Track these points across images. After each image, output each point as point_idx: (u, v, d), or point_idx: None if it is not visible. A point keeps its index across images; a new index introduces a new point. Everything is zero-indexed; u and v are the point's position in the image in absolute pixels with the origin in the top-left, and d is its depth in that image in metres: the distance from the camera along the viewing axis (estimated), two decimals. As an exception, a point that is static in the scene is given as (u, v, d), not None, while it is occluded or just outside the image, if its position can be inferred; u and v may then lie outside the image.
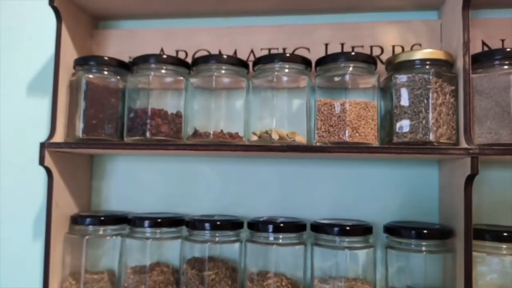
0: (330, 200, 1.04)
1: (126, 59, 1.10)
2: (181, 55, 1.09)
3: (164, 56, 0.95)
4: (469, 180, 0.82)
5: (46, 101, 1.14)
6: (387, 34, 1.02)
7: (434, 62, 0.87)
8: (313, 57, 1.03)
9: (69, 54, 1.01)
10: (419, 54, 0.88)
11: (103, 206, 1.12)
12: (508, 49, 0.86)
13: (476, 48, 0.99)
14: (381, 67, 0.98)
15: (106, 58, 0.98)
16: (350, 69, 0.90)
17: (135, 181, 1.11)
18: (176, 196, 1.09)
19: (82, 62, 0.98)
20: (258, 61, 0.95)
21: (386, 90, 0.92)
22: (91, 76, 0.96)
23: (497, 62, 0.86)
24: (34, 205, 1.13)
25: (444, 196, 0.96)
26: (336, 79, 0.91)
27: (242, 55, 1.07)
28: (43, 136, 1.10)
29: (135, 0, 1.01)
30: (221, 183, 1.08)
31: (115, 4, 1.04)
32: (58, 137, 0.97)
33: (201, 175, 1.09)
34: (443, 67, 0.88)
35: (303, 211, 1.04)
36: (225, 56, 0.94)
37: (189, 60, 1.08)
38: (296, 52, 1.05)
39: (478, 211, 0.96)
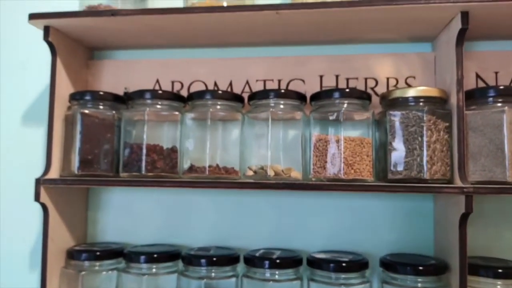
0: (326, 232, 1.04)
1: (121, 90, 1.11)
2: (177, 86, 1.10)
3: (160, 92, 0.96)
4: (464, 218, 0.82)
5: (41, 130, 1.14)
6: (381, 66, 1.03)
7: (427, 99, 0.88)
8: (308, 89, 1.04)
9: (65, 87, 1.01)
10: (413, 91, 0.88)
11: (99, 237, 1.11)
12: (502, 87, 0.87)
13: (470, 80, 1.00)
14: (376, 99, 0.98)
15: (101, 93, 0.98)
16: (345, 105, 0.90)
17: (131, 212, 1.11)
18: (172, 227, 1.09)
19: (77, 97, 0.98)
20: (253, 96, 0.95)
21: (381, 124, 0.92)
22: (86, 111, 0.96)
23: (490, 99, 0.87)
24: (29, 238, 1.13)
25: (439, 229, 0.97)
26: (331, 116, 0.91)
27: (238, 86, 1.08)
28: (38, 167, 1.10)
29: (129, 33, 1.01)
30: (217, 214, 1.08)
31: (110, 36, 1.04)
32: (54, 172, 0.97)
33: (197, 206, 1.08)
34: (437, 104, 0.89)
35: (299, 242, 1.04)
36: (220, 92, 0.95)
37: (184, 91, 1.09)
38: (291, 84, 1.06)
39: (472, 242, 0.96)
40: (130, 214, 1.11)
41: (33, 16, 0.93)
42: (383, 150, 0.91)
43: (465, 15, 0.84)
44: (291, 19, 0.91)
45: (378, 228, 1.02)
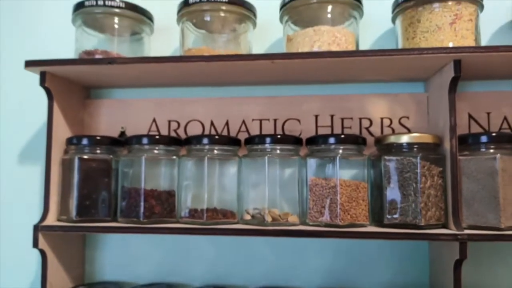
0: (323, 270, 1.05)
1: (118, 128, 1.11)
2: (174, 126, 1.10)
3: (157, 137, 0.96)
4: (458, 264, 0.84)
5: (38, 169, 1.14)
6: (375, 107, 1.05)
7: (421, 145, 0.90)
8: (304, 128, 1.06)
9: (62, 129, 1.01)
10: (407, 138, 0.90)
11: (97, 276, 1.12)
12: (494, 134, 0.89)
13: (462, 120, 1.02)
14: (371, 139, 1.00)
15: (98, 137, 0.99)
16: (340, 151, 0.92)
17: (129, 250, 1.11)
18: (170, 266, 1.10)
19: (74, 142, 0.98)
20: (250, 140, 0.96)
21: (376, 166, 0.94)
22: (84, 156, 0.96)
23: (483, 145, 0.88)
24: (26, 281, 1.13)
25: (434, 271, 0.98)
26: (327, 161, 0.92)
27: (234, 126, 1.08)
28: (35, 207, 1.10)
29: (126, 76, 1.02)
30: (215, 253, 1.09)
31: (107, 79, 1.05)
32: (51, 216, 0.97)
33: (194, 244, 1.09)
34: (431, 149, 0.90)
35: (296, 280, 1.05)
36: (216, 137, 0.96)
37: (181, 130, 1.10)
38: (287, 123, 1.07)
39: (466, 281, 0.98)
40: (127, 253, 1.11)
41: (29, 64, 0.93)
42: (378, 193, 0.92)
43: (457, 63, 0.85)
44: (286, 66, 0.92)
45: (375, 267, 1.04)
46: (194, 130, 1.09)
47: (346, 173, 0.93)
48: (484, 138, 0.88)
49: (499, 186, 0.85)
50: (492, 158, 0.86)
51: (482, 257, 1.01)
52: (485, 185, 0.86)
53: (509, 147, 0.88)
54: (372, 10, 1.03)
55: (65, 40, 1.08)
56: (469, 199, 0.88)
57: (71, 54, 1.04)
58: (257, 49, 1.09)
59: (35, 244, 0.93)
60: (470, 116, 1.02)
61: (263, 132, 1.08)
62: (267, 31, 1.08)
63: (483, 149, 0.88)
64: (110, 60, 0.90)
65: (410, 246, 1.02)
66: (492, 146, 0.88)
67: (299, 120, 1.07)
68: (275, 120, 1.08)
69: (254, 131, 1.08)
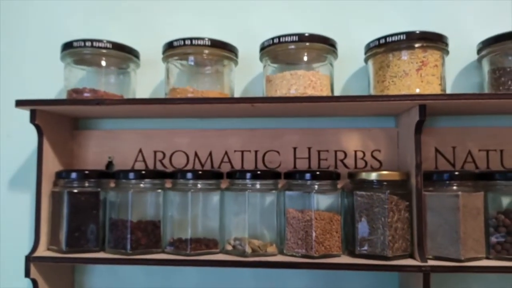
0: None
1: (106, 158, 1.16)
2: (159, 156, 1.16)
3: (143, 172, 1.02)
4: (422, 293, 0.91)
5: (27, 198, 1.18)
6: (350, 140, 1.11)
7: (390, 182, 0.97)
8: (283, 159, 1.13)
9: (51, 162, 1.06)
10: (376, 175, 0.97)
11: (86, 300, 1.17)
12: (457, 172, 0.96)
13: (429, 154, 1.09)
14: (345, 171, 1.06)
15: (86, 172, 1.03)
16: (316, 187, 0.98)
17: (117, 275, 1.16)
18: (156, 289, 1.16)
19: (63, 176, 1.03)
20: (232, 175, 1.02)
21: (349, 197, 1.00)
22: (73, 190, 1.01)
23: (446, 182, 0.96)
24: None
25: (402, 294, 1.06)
26: (304, 195, 0.99)
27: (217, 156, 1.14)
28: (25, 239, 1.15)
29: (114, 113, 1.07)
30: (199, 276, 1.15)
31: (95, 114, 1.10)
32: (42, 246, 1.02)
33: (180, 270, 1.15)
34: (398, 185, 0.97)
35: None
36: (200, 172, 1.01)
37: (167, 160, 1.15)
38: (267, 155, 1.13)
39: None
40: (116, 279, 1.16)
41: (19, 103, 0.98)
42: (351, 224, 0.99)
43: (422, 108, 0.92)
44: (265, 107, 0.98)
45: (348, 289, 1.11)
46: (179, 160, 1.15)
47: (321, 204, 0.99)
48: (447, 176, 0.96)
49: (460, 221, 0.92)
50: (454, 195, 0.94)
51: (447, 283, 1.08)
52: (447, 220, 0.94)
53: (470, 185, 0.96)
54: (347, 47, 1.10)
55: (54, 76, 1.13)
56: (433, 232, 0.95)
57: (60, 87, 1.08)
58: (240, 83, 1.15)
59: (27, 274, 0.98)
60: (436, 150, 1.09)
61: (245, 163, 1.14)
62: (249, 66, 1.14)
63: (446, 186, 0.96)
64: (98, 101, 0.95)
65: (382, 273, 1.10)
66: (454, 184, 0.95)
67: (278, 152, 1.13)
68: (256, 152, 1.14)
69: (236, 162, 1.14)
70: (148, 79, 1.18)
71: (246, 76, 1.17)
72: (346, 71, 1.15)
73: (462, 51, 1.10)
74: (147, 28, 1.20)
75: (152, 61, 1.13)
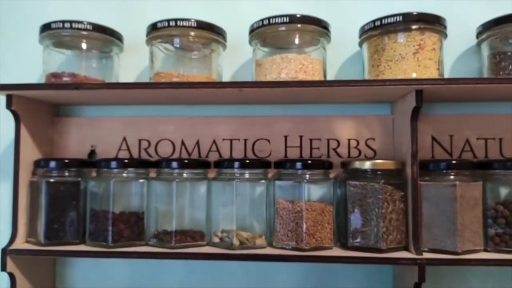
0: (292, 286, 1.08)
1: (87, 147, 1.11)
2: (144, 144, 1.10)
3: (126, 161, 0.97)
4: (417, 286, 0.87)
5: (6, 190, 1.13)
6: (343, 128, 1.07)
7: (384, 171, 0.92)
8: (273, 148, 1.08)
9: (29, 150, 1.01)
10: (370, 164, 0.92)
11: (68, 294, 1.12)
12: (454, 161, 0.92)
13: (425, 143, 1.05)
14: (338, 160, 1.02)
15: (66, 160, 0.98)
16: (307, 176, 0.94)
17: (99, 267, 1.12)
18: (141, 283, 1.11)
19: (42, 165, 0.98)
20: (219, 164, 0.97)
21: (342, 188, 0.96)
22: (51, 180, 0.96)
23: (443, 172, 0.91)
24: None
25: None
26: (294, 185, 0.94)
27: (205, 145, 1.09)
28: (2, 231, 1.10)
29: (95, 99, 1.02)
30: (186, 268, 1.10)
31: (75, 99, 1.04)
32: (20, 239, 0.97)
33: (166, 261, 1.10)
34: (393, 175, 0.93)
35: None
36: (186, 161, 0.97)
37: (152, 149, 1.10)
38: (257, 143, 1.09)
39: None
40: (98, 270, 1.12)
41: (-5, 87, 0.92)
42: (344, 215, 0.95)
43: (419, 94, 0.88)
44: (254, 92, 0.93)
45: (341, 283, 1.07)
46: (165, 149, 1.10)
47: (312, 194, 0.95)
48: (444, 165, 0.91)
49: (457, 212, 0.88)
50: (451, 185, 0.89)
51: (444, 276, 1.05)
52: (444, 211, 0.90)
53: (468, 174, 0.92)
54: (341, 31, 1.05)
55: (32, 60, 1.07)
56: (429, 224, 0.91)
57: (38, 73, 1.03)
58: (228, 68, 1.10)
59: (3, 267, 0.93)
60: (433, 139, 1.05)
61: (233, 152, 1.09)
62: (238, 51, 1.09)
63: (443, 176, 0.91)
64: (76, 85, 0.90)
65: (375, 266, 1.06)
66: (452, 173, 0.91)
67: (269, 141, 1.08)
68: (245, 140, 1.09)
69: (225, 151, 1.09)
70: (133, 64, 1.12)
71: (235, 61, 1.12)
72: (341, 56, 1.10)
73: (461, 35, 1.05)
74: (132, 10, 1.14)
75: (138, 45, 1.07)
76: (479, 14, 1.02)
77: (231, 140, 1.09)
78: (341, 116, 1.07)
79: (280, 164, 0.97)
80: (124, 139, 1.11)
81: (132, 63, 1.12)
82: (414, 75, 0.90)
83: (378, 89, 0.90)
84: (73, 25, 0.97)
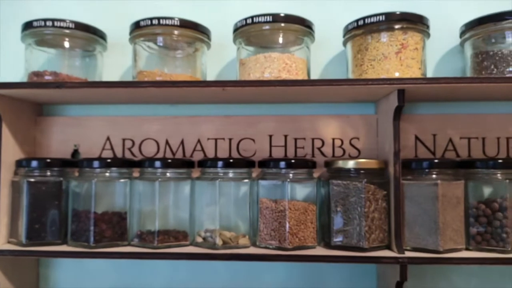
0: (277, 285, 1.08)
1: (71, 147, 1.10)
2: (128, 144, 1.10)
3: (108, 161, 0.96)
4: (399, 286, 0.88)
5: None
6: (327, 128, 1.07)
7: (367, 171, 0.92)
8: (258, 147, 1.08)
9: (12, 150, 0.99)
10: (353, 164, 0.92)
11: (51, 295, 1.11)
12: (436, 160, 0.92)
13: (409, 142, 1.05)
14: (323, 159, 1.02)
15: (48, 160, 0.97)
16: (291, 175, 0.94)
17: (83, 268, 1.11)
18: (125, 283, 1.10)
19: (23, 164, 0.97)
20: (203, 163, 0.97)
21: (325, 187, 0.96)
22: (32, 180, 0.95)
23: (425, 171, 0.92)
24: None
25: (381, 286, 1.02)
26: (278, 184, 0.94)
27: (189, 145, 1.09)
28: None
29: (77, 98, 1.01)
30: (170, 268, 1.10)
31: (58, 98, 1.03)
32: (1, 240, 0.96)
33: (150, 261, 1.10)
34: (376, 174, 0.93)
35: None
36: (169, 160, 0.96)
37: (136, 148, 1.09)
38: (242, 143, 1.08)
39: None
40: (82, 270, 1.11)
41: (-26, 86, 0.91)
42: (327, 214, 0.95)
43: (401, 93, 0.88)
44: (238, 92, 0.93)
45: (325, 282, 1.07)
46: (149, 148, 1.09)
47: (296, 194, 0.95)
48: (426, 164, 0.92)
49: (439, 211, 0.89)
50: (433, 184, 0.90)
51: (427, 275, 1.06)
52: (426, 210, 0.90)
53: (450, 173, 0.93)
54: (327, 31, 1.05)
55: (15, 58, 1.06)
56: (411, 222, 0.92)
57: (21, 72, 1.02)
58: (213, 68, 1.10)
59: (-17, 268, 0.92)
60: (416, 138, 1.06)
61: (218, 151, 1.09)
62: (224, 50, 1.09)
63: (426, 175, 0.92)
64: (58, 84, 0.89)
65: (359, 264, 1.06)
66: (434, 172, 0.91)
67: (253, 140, 1.08)
68: (230, 140, 1.09)
69: (210, 150, 1.09)
70: (118, 63, 1.12)
71: (221, 60, 1.12)
72: (326, 56, 1.10)
73: (446, 35, 1.06)
74: (117, 9, 1.13)
75: (122, 44, 1.06)
76: (464, 14, 1.02)
77: (215, 140, 1.09)
78: (326, 115, 1.07)
79: (264, 164, 0.97)
80: (108, 138, 1.10)
81: (117, 62, 1.12)
82: (396, 75, 0.91)
83: (361, 89, 0.90)
84: (55, 23, 0.96)
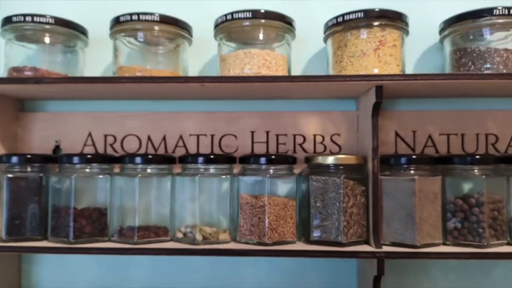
0: (258, 280, 1.09)
1: (52, 143, 1.10)
2: (110, 140, 1.10)
3: (89, 156, 0.96)
4: (376, 279, 0.89)
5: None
6: (309, 124, 1.08)
7: (346, 167, 0.93)
8: (240, 144, 1.08)
9: (-9, 145, 1.00)
10: (332, 159, 0.93)
11: (34, 291, 1.11)
12: (414, 156, 0.93)
13: (389, 138, 1.06)
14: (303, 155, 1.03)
15: (29, 156, 0.97)
16: (271, 171, 0.94)
17: (66, 263, 1.11)
18: (108, 278, 1.10)
19: (4, 160, 0.96)
20: (184, 159, 0.97)
21: (305, 183, 0.97)
22: (13, 176, 0.95)
23: (403, 167, 0.93)
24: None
25: (361, 283, 1.03)
26: (258, 180, 0.95)
27: (171, 141, 1.09)
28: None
29: (58, 93, 1.01)
30: (152, 264, 1.10)
31: (38, 93, 1.03)
32: (-19, 235, 0.96)
33: (131, 257, 1.10)
34: (355, 170, 0.94)
35: (232, 291, 1.09)
36: (150, 156, 0.96)
37: (118, 144, 1.10)
38: (224, 139, 1.09)
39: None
40: (65, 266, 1.11)
41: (-48, 81, 0.91)
42: (307, 210, 0.95)
43: (379, 90, 0.89)
44: (217, 87, 0.93)
45: (307, 276, 1.08)
46: (131, 145, 1.09)
47: (276, 189, 0.95)
48: (404, 160, 0.93)
49: (415, 206, 0.90)
50: (410, 180, 0.91)
51: (407, 270, 1.07)
52: (403, 205, 0.91)
53: (427, 169, 0.94)
54: (309, 28, 1.06)
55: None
56: (389, 218, 0.93)
57: (0, 68, 1.01)
58: (195, 64, 1.10)
59: (-37, 264, 0.92)
60: (397, 134, 1.07)
61: (200, 148, 1.09)
62: (207, 46, 1.09)
63: (404, 171, 0.93)
64: (36, 79, 0.89)
65: (339, 259, 1.07)
66: (411, 168, 0.92)
67: (235, 136, 1.09)
68: (212, 136, 1.09)
69: (192, 146, 1.09)
70: (100, 59, 1.12)
71: (203, 57, 1.12)
72: (308, 52, 1.11)
73: (426, 32, 1.07)
74: (99, 5, 1.13)
75: (104, 40, 1.06)
76: (445, 11, 1.02)
77: (198, 136, 1.09)
78: (307, 111, 1.08)
79: (245, 160, 0.97)
80: (90, 134, 1.10)
81: (99, 58, 1.11)
82: (375, 71, 0.91)
83: (341, 85, 0.91)
84: (35, 18, 0.95)
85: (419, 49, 1.09)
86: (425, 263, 1.07)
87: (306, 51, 1.10)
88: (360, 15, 0.91)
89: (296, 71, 1.08)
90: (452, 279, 1.08)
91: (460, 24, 0.96)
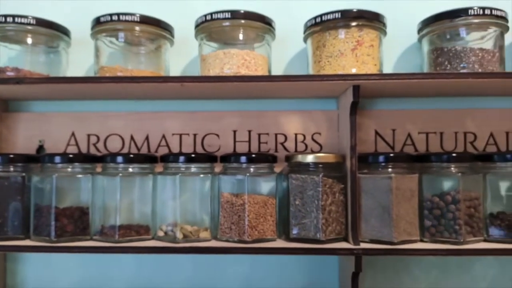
0: (241, 277, 1.11)
1: (36, 142, 1.11)
2: (93, 140, 1.11)
3: (70, 156, 0.97)
4: (355, 276, 0.90)
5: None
6: (290, 123, 1.09)
7: (325, 165, 0.95)
8: (222, 143, 1.09)
9: (-26, 145, 1.00)
10: (311, 158, 0.94)
11: (18, 289, 1.12)
12: (392, 154, 0.95)
13: (369, 137, 1.08)
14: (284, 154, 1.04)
15: (11, 155, 0.98)
16: (251, 170, 0.95)
17: (50, 263, 1.12)
18: (91, 277, 1.11)
19: (-14, 160, 0.97)
20: (165, 158, 0.98)
21: (285, 181, 0.98)
22: (-6, 175, 0.96)
23: (381, 165, 0.94)
24: None
25: (342, 279, 1.05)
26: (239, 179, 0.96)
27: (154, 140, 1.10)
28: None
29: (40, 94, 1.01)
30: (136, 262, 1.11)
31: (21, 94, 1.04)
32: (-37, 234, 0.96)
33: (115, 255, 1.11)
34: (334, 168, 0.95)
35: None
36: (131, 155, 0.97)
37: (101, 144, 1.10)
38: (206, 138, 1.10)
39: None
40: (49, 265, 1.12)
41: None
42: (287, 208, 0.97)
43: (356, 89, 0.90)
44: (197, 87, 0.94)
45: (289, 273, 1.10)
46: (114, 144, 1.10)
47: (257, 188, 0.97)
48: (382, 158, 0.94)
49: (392, 203, 0.91)
50: (387, 178, 0.92)
51: (387, 267, 1.08)
52: (381, 202, 0.93)
53: (405, 167, 0.95)
54: (291, 28, 1.07)
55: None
56: (367, 215, 0.94)
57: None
58: (177, 64, 1.11)
59: None
60: (376, 133, 1.08)
61: (183, 147, 1.10)
62: (188, 46, 1.09)
63: (381, 169, 0.94)
64: (17, 80, 0.90)
65: (320, 256, 1.09)
66: (389, 166, 0.94)
67: (218, 135, 1.10)
68: (194, 135, 1.10)
69: (174, 145, 1.10)
70: (83, 59, 1.12)
71: (185, 57, 1.13)
72: (289, 52, 1.12)
73: (405, 33, 1.08)
74: (82, 5, 1.14)
75: (88, 41, 1.06)
76: (423, 12, 1.04)
77: (180, 135, 1.10)
78: (289, 111, 1.09)
79: (226, 159, 0.98)
80: (73, 134, 1.11)
81: (83, 59, 1.12)
82: (353, 71, 0.93)
83: (319, 84, 0.92)
84: (16, 19, 0.96)
85: (398, 49, 1.10)
86: (406, 261, 1.09)
87: (287, 51, 1.11)
88: (338, 15, 0.93)
89: (278, 71, 1.09)
90: (433, 277, 1.09)
91: (438, 23, 0.98)
